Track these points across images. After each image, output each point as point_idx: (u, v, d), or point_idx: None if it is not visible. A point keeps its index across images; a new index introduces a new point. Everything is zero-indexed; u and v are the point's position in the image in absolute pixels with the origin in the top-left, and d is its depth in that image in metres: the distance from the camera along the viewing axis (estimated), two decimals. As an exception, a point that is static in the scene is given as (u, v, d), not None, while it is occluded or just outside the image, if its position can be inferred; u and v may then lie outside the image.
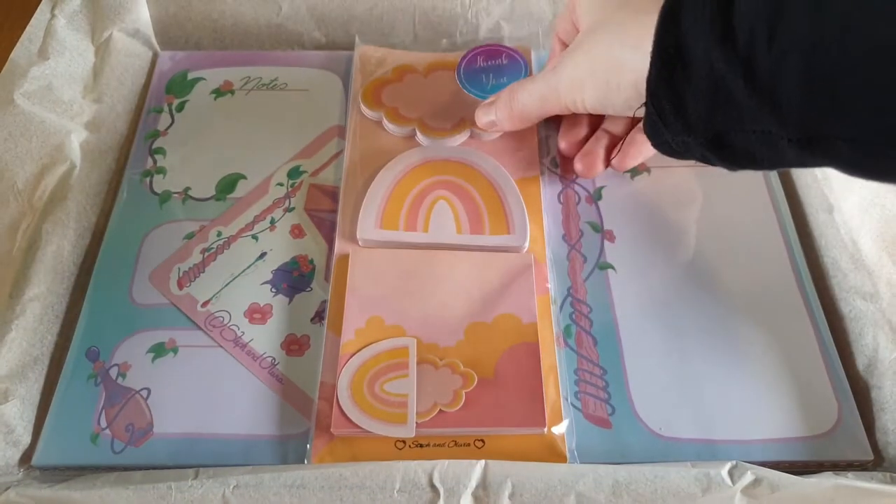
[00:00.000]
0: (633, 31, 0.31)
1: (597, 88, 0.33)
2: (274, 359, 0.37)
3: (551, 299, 0.38)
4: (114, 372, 0.36)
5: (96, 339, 0.37)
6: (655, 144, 0.32)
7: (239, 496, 0.29)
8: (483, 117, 0.42)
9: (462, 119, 0.44)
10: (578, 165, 0.41)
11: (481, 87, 0.45)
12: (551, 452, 0.33)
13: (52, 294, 0.38)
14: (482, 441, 0.34)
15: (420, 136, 0.43)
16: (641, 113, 0.32)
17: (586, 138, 0.42)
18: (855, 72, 0.24)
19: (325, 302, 0.38)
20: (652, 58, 0.29)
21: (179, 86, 0.48)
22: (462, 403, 0.34)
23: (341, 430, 0.33)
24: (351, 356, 0.35)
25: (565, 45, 0.40)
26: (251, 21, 0.49)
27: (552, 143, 0.45)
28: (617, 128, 0.41)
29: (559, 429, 0.34)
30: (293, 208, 0.42)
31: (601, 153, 0.40)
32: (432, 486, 0.29)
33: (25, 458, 0.34)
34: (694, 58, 0.27)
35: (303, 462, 0.33)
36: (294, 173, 0.44)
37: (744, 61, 0.26)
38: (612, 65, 0.32)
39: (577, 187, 0.43)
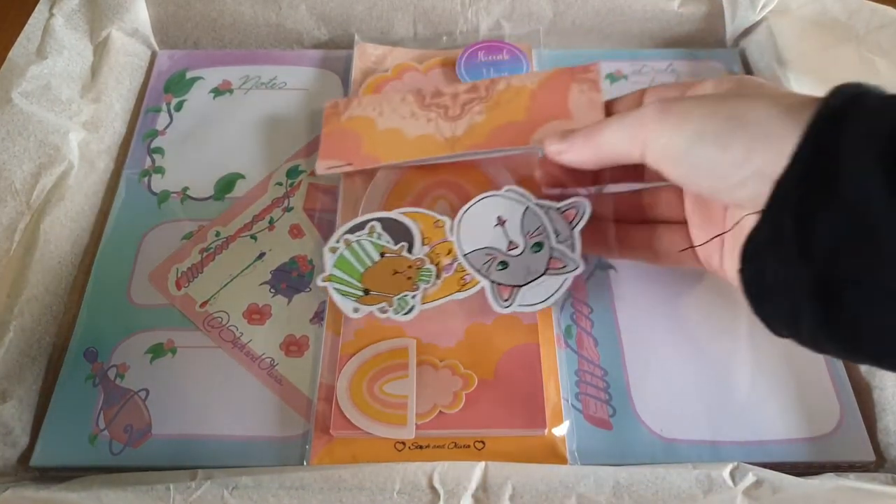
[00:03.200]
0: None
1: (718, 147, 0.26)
2: (273, 359, 0.37)
3: (552, 299, 0.38)
4: (112, 373, 0.36)
5: (95, 340, 0.37)
6: (744, 268, 0.27)
7: (238, 497, 0.29)
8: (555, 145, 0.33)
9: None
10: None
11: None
12: (552, 454, 0.33)
13: (50, 294, 0.38)
14: (482, 442, 0.34)
15: (420, 136, 0.43)
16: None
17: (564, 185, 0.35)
18: None
19: (324, 302, 0.38)
20: (794, 157, 0.23)
21: (178, 85, 0.48)
22: (462, 405, 0.34)
23: (341, 431, 0.33)
24: (350, 357, 0.35)
25: None
26: (250, 20, 0.49)
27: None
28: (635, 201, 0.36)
29: (560, 430, 0.34)
30: (292, 208, 0.42)
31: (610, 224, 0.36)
32: (432, 488, 0.29)
33: (24, 459, 0.34)
34: (847, 177, 0.22)
35: (302, 463, 0.33)
36: (293, 173, 0.43)
37: None
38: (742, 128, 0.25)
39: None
